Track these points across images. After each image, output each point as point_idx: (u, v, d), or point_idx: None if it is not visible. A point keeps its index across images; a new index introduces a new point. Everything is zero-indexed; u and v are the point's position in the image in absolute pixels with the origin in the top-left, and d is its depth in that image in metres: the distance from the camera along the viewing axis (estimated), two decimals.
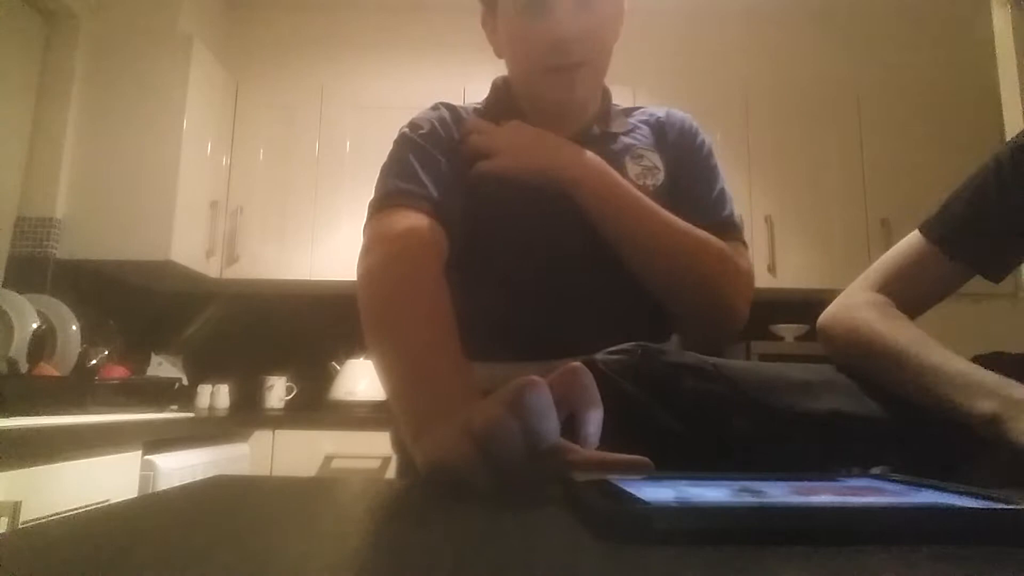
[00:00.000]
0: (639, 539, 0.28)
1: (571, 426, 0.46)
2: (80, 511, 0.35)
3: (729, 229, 0.85)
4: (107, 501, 1.44)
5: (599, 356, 0.63)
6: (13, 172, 2.37)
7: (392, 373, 0.63)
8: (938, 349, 0.68)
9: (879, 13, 3.24)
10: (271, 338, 2.95)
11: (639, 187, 0.81)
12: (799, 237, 2.83)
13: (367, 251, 0.76)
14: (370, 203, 0.82)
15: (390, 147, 0.86)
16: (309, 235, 2.73)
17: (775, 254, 2.81)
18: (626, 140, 0.88)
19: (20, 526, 1.16)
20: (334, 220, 2.73)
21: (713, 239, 0.79)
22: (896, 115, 2.93)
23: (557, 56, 0.79)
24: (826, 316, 0.81)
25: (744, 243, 0.87)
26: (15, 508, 1.17)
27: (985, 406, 0.60)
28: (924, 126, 2.91)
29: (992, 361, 0.66)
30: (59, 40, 2.49)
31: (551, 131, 0.83)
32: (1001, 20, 2.01)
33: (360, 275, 0.73)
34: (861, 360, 0.72)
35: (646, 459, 0.44)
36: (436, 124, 0.85)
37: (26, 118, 2.41)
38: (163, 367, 2.62)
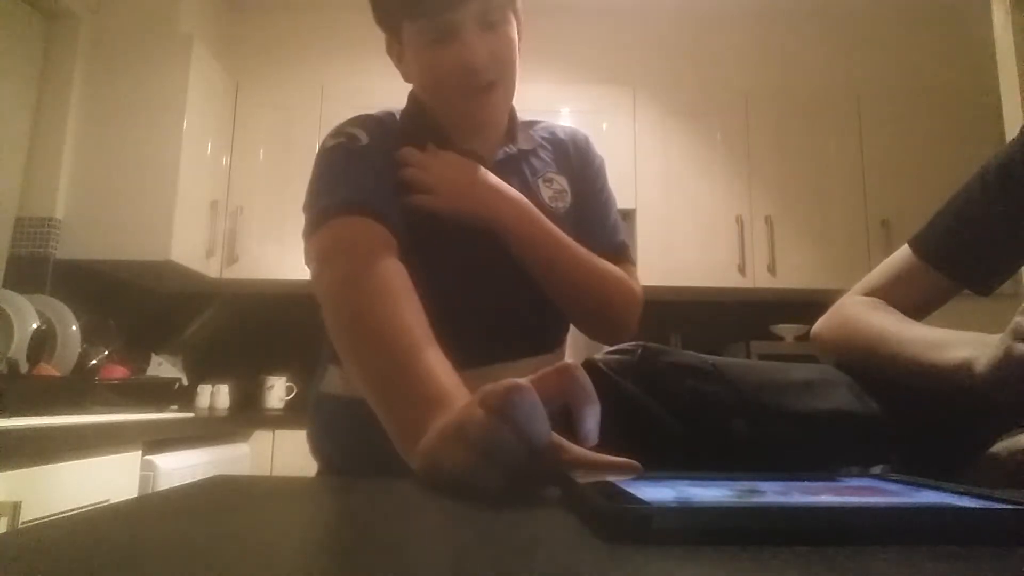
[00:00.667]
0: (639, 539, 0.28)
1: (567, 422, 0.46)
2: (80, 511, 0.35)
3: (623, 253, 0.95)
4: (107, 501, 1.44)
5: (599, 356, 0.63)
6: (13, 172, 2.37)
7: (377, 382, 0.63)
8: (918, 326, 0.70)
9: (879, 14, 3.24)
10: (271, 338, 2.95)
11: (550, 209, 0.89)
12: (799, 237, 2.83)
13: (326, 262, 0.75)
14: (312, 215, 0.80)
15: None
16: None
17: (775, 254, 2.81)
18: (535, 162, 0.94)
19: (20, 526, 1.16)
20: None
21: (613, 269, 0.89)
22: (896, 115, 2.93)
23: (469, 80, 0.82)
24: (819, 322, 0.85)
25: (634, 264, 0.97)
26: (15, 508, 1.17)
27: (958, 353, 0.62)
28: (924, 126, 2.91)
29: None
30: (59, 40, 2.49)
31: (469, 146, 0.89)
32: (1001, 20, 2.01)
33: (325, 289, 0.72)
34: (851, 350, 0.74)
35: (635, 463, 0.44)
36: (371, 138, 0.86)
37: (26, 118, 2.41)
38: (163, 367, 2.61)
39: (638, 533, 0.28)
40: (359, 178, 0.81)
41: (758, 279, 2.79)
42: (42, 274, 2.33)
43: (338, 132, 0.87)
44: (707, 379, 0.62)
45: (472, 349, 0.74)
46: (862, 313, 0.78)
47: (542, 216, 0.85)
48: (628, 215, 2.88)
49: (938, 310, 0.83)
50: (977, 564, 0.26)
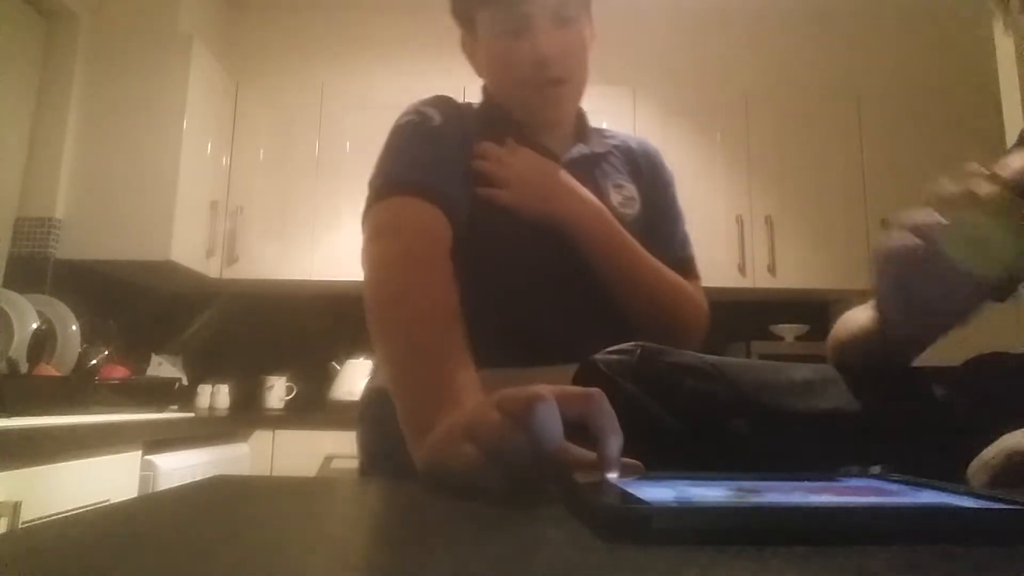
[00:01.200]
0: (639, 539, 0.28)
1: (581, 433, 0.46)
2: (80, 511, 0.35)
3: (690, 268, 0.95)
4: (107, 501, 1.44)
5: (599, 356, 0.63)
6: (13, 172, 2.37)
7: (398, 369, 0.63)
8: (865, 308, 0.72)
9: (879, 14, 3.24)
10: (271, 338, 2.95)
11: (620, 215, 0.87)
12: (799, 237, 2.83)
13: (377, 237, 0.75)
14: (376, 186, 0.79)
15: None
16: (309, 235, 2.73)
17: (775, 254, 2.81)
18: (606, 167, 0.93)
19: (20, 526, 1.16)
20: (334, 220, 2.73)
21: (683, 283, 0.89)
22: (896, 115, 2.93)
23: (539, 74, 0.83)
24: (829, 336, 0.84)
25: (699, 279, 0.96)
26: (15, 508, 1.17)
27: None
28: (924, 126, 2.91)
29: (992, 361, 0.66)
30: (59, 40, 2.49)
31: (540, 142, 0.88)
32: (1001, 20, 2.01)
33: (370, 264, 0.72)
34: (832, 351, 0.75)
35: (638, 462, 0.44)
36: (445, 120, 0.84)
37: (26, 118, 2.42)
38: (163, 367, 2.61)
39: (638, 533, 0.28)
40: (423, 158, 0.80)
41: (758, 279, 2.79)
42: (42, 274, 2.33)
43: (412, 110, 0.86)
44: (707, 379, 0.62)
45: (511, 349, 0.75)
46: (848, 313, 0.79)
47: (617, 222, 0.84)
48: None
49: None
50: (977, 564, 0.26)
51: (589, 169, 0.90)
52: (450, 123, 0.84)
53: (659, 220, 0.95)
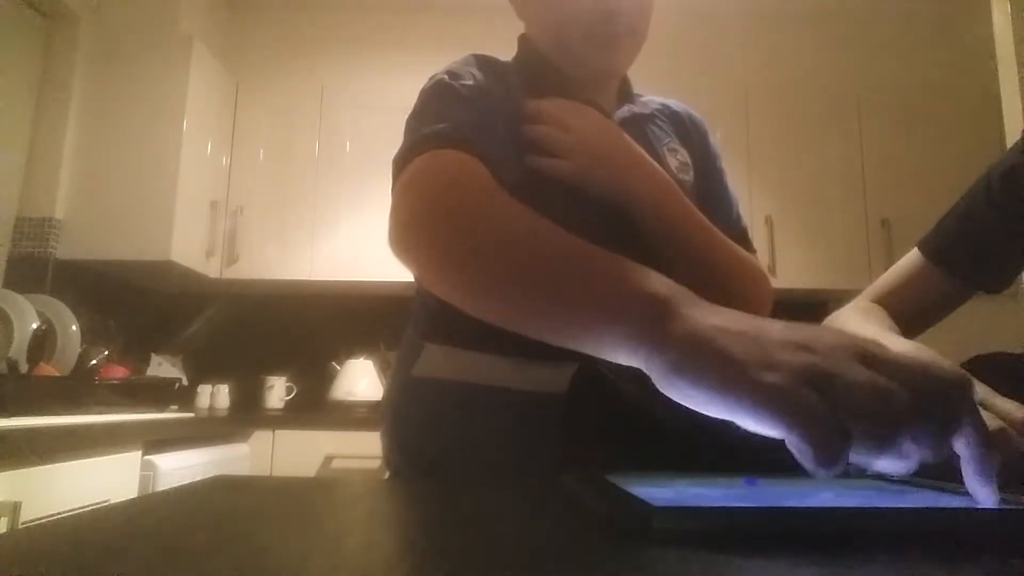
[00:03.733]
0: (639, 539, 0.28)
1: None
2: (80, 511, 0.35)
3: (746, 238, 0.85)
4: (107, 501, 1.44)
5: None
6: (13, 172, 2.37)
7: (539, 278, 0.48)
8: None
9: (879, 14, 3.24)
10: (271, 338, 2.95)
11: (680, 181, 0.77)
12: (799, 237, 2.83)
13: (410, 187, 0.60)
14: (402, 152, 0.65)
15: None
16: (309, 235, 2.73)
17: (775, 254, 2.80)
18: (655, 129, 0.84)
19: (20, 526, 1.16)
20: (334, 220, 2.73)
21: (748, 258, 0.80)
22: (896, 115, 2.93)
23: (607, 25, 0.74)
24: None
25: (755, 251, 0.86)
26: (15, 508, 1.17)
27: None
28: (924, 126, 2.91)
29: (992, 361, 0.66)
30: (59, 40, 2.49)
31: (605, 104, 0.79)
32: (1001, 20, 2.01)
33: (410, 213, 0.59)
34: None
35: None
36: (484, 78, 0.73)
37: (26, 118, 2.41)
38: (163, 367, 2.61)
39: (638, 533, 0.28)
40: (460, 117, 0.66)
41: None
42: (42, 274, 2.33)
43: (443, 70, 0.74)
44: None
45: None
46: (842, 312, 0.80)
47: (687, 200, 0.74)
48: None
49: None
50: (977, 564, 0.26)
51: (643, 131, 0.80)
52: (490, 81, 0.73)
53: (715, 188, 0.85)
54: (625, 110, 0.83)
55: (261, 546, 0.28)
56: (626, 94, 0.87)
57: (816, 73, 3.21)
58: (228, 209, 2.77)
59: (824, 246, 2.82)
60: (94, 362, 2.14)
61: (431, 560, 0.26)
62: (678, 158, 0.82)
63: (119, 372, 2.25)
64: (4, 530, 1.13)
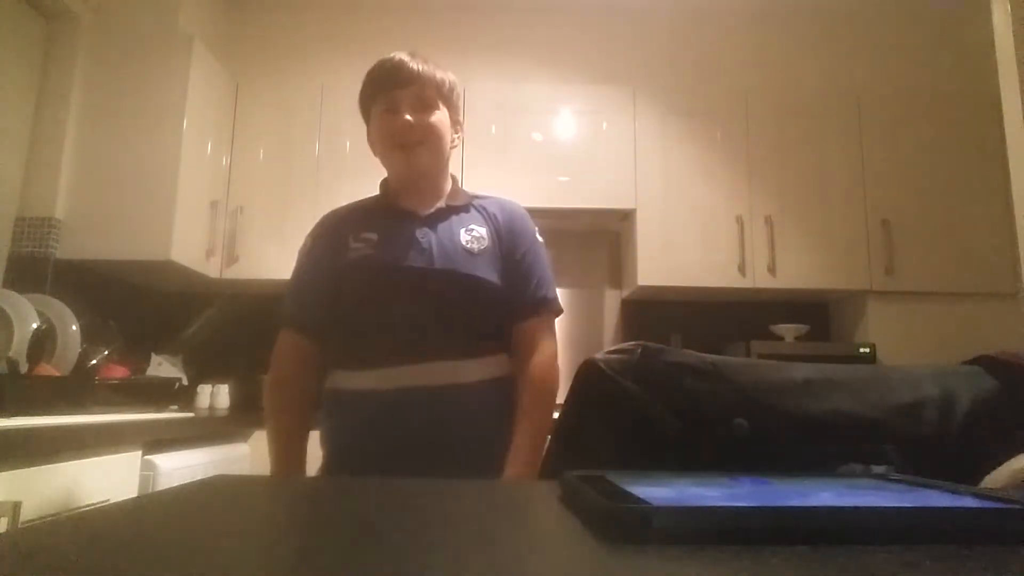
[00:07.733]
0: (639, 539, 0.28)
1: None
2: (80, 511, 0.35)
3: (543, 306, 1.18)
4: (107, 501, 1.44)
5: (599, 355, 0.63)
6: (13, 172, 2.37)
7: (272, 447, 1.16)
8: None
9: (879, 14, 3.24)
10: (271, 338, 2.94)
11: (466, 249, 1.14)
12: (799, 237, 2.83)
13: (273, 362, 1.21)
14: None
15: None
16: None
17: (775, 254, 2.80)
18: (463, 216, 1.19)
19: (20, 526, 1.16)
20: None
21: (528, 396, 1.13)
22: (896, 115, 2.93)
23: (403, 136, 1.15)
24: None
25: (554, 314, 1.20)
26: (15, 508, 1.17)
27: None
28: (924, 127, 2.91)
29: (992, 361, 0.66)
30: (59, 40, 2.49)
31: (416, 207, 1.19)
32: (1001, 21, 2.01)
33: (267, 383, 1.20)
34: None
35: None
36: (316, 236, 1.23)
37: (26, 118, 2.42)
38: (163, 367, 2.61)
39: (638, 533, 0.28)
40: (298, 292, 1.23)
41: (758, 279, 2.79)
42: (42, 274, 2.33)
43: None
44: (707, 378, 0.62)
45: (388, 356, 1.11)
46: None
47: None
48: (628, 215, 2.88)
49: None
50: (977, 564, 0.26)
51: (445, 218, 1.18)
52: (322, 236, 1.21)
53: (512, 270, 1.17)
54: (434, 208, 1.19)
55: (261, 546, 0.28)
56: (454, 197, 1.22)
57: (816, 73, 3.22)
58: (228, 209, 2.77)
59: (824, 246, 2.82)
60: (94, 362, 2.14)
61: (431, 560, 0.26)
62: (472, 234, 1.17)
63: (119, 372, 2.25)
64: (4, 530, 1.13)
